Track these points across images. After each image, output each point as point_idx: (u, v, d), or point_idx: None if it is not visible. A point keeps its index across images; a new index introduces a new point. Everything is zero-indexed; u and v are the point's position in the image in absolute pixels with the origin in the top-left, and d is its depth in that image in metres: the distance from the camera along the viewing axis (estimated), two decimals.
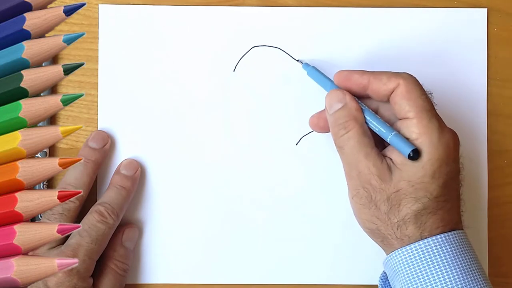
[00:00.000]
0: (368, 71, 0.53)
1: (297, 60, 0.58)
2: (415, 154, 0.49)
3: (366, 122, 0.52)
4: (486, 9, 0.60)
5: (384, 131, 0.51)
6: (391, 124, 0.52)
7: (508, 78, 0.61)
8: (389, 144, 0.52)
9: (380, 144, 0.53)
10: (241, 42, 0.59)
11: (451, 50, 0.60)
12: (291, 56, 0.59)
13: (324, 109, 0.55)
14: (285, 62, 0.59)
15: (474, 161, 0.60)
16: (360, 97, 0.54)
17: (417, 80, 0.52)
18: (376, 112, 0.53)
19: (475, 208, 0.60)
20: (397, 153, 0.50)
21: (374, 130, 0.52)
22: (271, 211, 0.59)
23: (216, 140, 0.59)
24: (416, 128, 0.50)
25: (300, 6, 0.60)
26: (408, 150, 0.49)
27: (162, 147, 0.59)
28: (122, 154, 0.59)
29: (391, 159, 0.51)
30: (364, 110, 0.53)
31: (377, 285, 0.55)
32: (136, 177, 0.58)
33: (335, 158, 0.53)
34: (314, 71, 0.57)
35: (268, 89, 0.60)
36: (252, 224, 0.59)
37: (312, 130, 0.58)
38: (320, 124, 0.56)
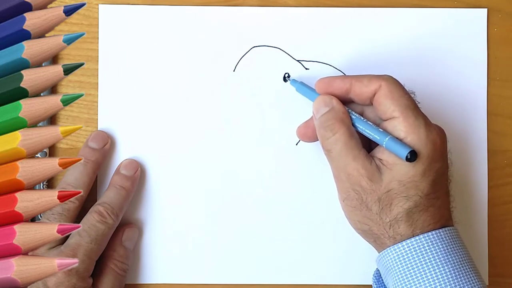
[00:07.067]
0: (349, 76, 0.53)
1: (285, 77, 0.58)
2: (413, 156, 0.49)
3: (358, 130, 0.52)
4: (486, 9, 0.60)
5: (378, 137, 0.51)
6: (376, 126, 0.52)
7: (508, 78, 0.61)
8: (376, 145, 0.52)
9: (366, 144, 0.53)
10: (241, 42, 0.59)
11: (451, 50, 0.60)
12: (291, 56, 0.59)
13: (311, 118, 0.55)
14: (285, 62, 0.59)
15: (474, 161, 0.60)
16: (344, 102, 0.54)
17: (398, 81, 0.52)
18: (361, 115, 0.53)
19: (475, 208, 0.60)
20: (388, 154, 0.50)
21: (368, 137, 0.52)
22: (270, 211, 0.59)
23: (216, 140, 0.59)
24: (403, 127, 0.50)
25: (300, 6, 0.60)
26: (405, 152, 0.49)
27: (162, 147, 0.59)
28: (122, 154, 0.59)
29: (380, 159, 0.51)
30: (355, 118, 0.53)
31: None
32: (136, 177, 0.58)
33: None
34: (302, 86, 0.57)
35: (268, 89, 0.60)
36: (251, 225, 0.59)
37: None
38: (308, 133, 0.57)
